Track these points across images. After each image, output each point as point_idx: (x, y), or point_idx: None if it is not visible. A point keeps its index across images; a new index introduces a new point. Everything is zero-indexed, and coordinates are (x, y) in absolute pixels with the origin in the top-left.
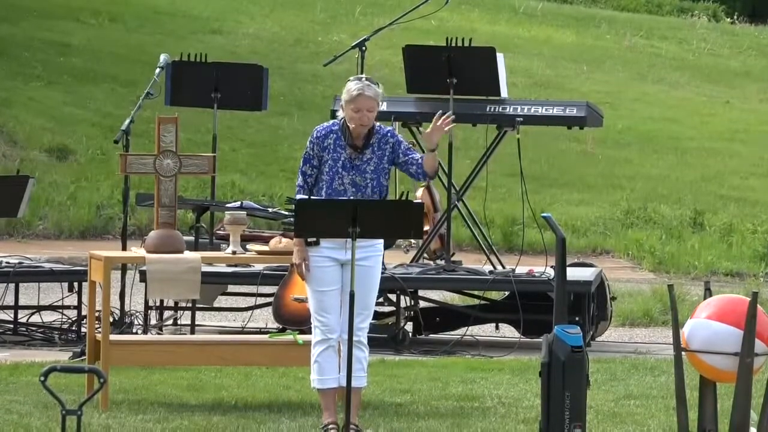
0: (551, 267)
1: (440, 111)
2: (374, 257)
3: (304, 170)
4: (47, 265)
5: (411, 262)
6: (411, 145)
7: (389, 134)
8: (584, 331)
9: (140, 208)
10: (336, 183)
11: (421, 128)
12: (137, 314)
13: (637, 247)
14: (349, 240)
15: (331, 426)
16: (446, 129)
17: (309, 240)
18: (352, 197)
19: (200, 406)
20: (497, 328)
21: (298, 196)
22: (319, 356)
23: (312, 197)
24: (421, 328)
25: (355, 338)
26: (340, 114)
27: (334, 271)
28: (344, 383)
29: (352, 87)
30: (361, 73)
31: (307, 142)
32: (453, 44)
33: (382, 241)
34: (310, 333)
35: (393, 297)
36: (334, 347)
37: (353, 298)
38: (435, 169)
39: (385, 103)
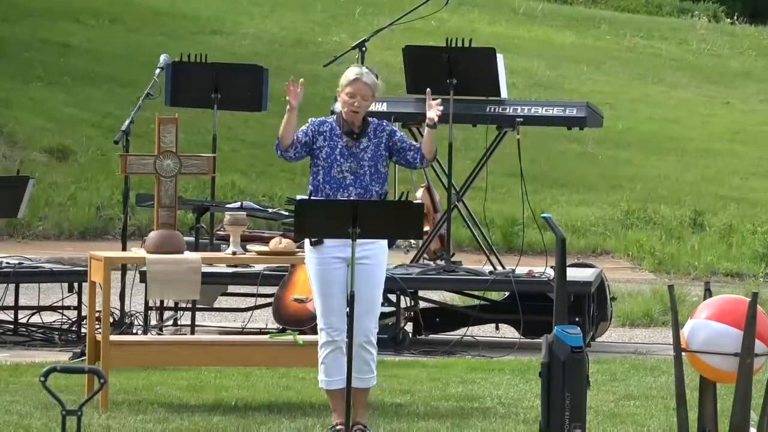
0: (551, 267)
1: (428, 89)
2: (378, 255)
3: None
4: (47, 266)
5: (411, 262)
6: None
7: (385, 123)
8: (584, 331)
9: (140, 208)
10: (335, 170)
11: (421, 128)
12: (137, 315)
13: (637, 247)
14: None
15: (339, 426)
16: (438, 108)
17: (313, 239)
18: (351, 185)
19: (200, 407)
20: (497, 328)
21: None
22: (326, 358)
23: (312, 197)
24: (421, 329)
25: (364, 339)
26: (337, 107)
27: (340, 271)
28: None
29: (350, 72)
30: None
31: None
32: (453, 45)
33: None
34: (310, 333)
35: (393, 297)
36: (341, 348)
37: (353, 299)
38: (434, 152)
39: (385, 104)
